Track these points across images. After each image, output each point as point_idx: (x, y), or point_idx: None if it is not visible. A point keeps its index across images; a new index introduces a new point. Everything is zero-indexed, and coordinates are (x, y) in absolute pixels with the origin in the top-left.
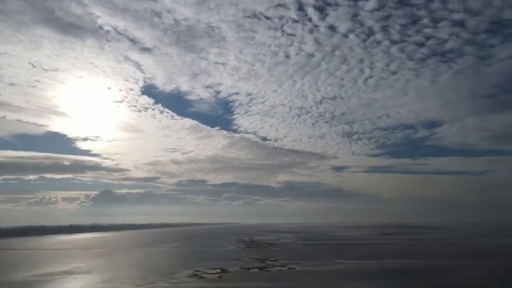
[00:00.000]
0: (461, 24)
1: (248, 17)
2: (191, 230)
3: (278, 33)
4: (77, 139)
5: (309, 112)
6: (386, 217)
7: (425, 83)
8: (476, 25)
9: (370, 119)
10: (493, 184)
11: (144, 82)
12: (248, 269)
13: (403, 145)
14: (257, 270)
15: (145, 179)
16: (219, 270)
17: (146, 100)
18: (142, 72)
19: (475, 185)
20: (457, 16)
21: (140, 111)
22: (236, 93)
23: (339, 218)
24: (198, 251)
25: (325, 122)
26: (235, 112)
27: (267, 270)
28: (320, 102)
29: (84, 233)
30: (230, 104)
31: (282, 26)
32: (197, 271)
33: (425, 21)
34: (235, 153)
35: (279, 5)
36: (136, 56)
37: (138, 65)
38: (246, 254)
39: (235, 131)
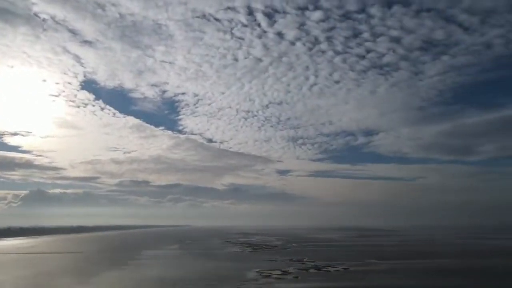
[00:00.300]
0: (397, 40)
1: (197, 17)
2: (155, 232)
3: (227, 36)
4: (4, 134)
5: (255, 115)
6: (330, 220)
7: (365, 93)
8: (410, 43)
9: (314, 125)
10: (424, 190)
11: (84, 76)
12: (306, 269)
13: (344, 151)
14: (315, 270)
15: (82, 179)
16: (280, 271)
17: (86, 95)
18: (82, 66)
19: (408, 191)
20: (394, 33)
21: (79, 106)
22: (183, 93)
23: (284, 221)
24: (214, 254)
25: (271, 126)
26: (181, 113)
27: (326, 271)
28: (267, 106)
29: (28, 237)
30: (176, 104)
31: (232, 29)
32: (261, 272)
33: (366, 35)
34: (180, 154)
35: (228, 8)
36: (76, 48)
37: (77, 58)
38: (269, 256)
39: (180, 131)
